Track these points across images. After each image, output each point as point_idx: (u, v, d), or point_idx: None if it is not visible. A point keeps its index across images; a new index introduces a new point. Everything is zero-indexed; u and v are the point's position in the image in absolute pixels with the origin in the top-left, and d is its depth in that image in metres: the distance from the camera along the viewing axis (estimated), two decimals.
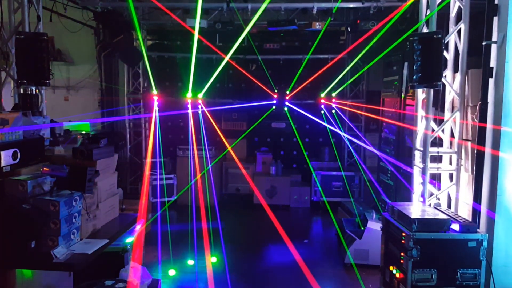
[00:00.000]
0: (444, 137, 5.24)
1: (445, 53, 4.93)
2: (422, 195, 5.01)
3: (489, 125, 4.48)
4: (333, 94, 9.74)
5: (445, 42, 4.92)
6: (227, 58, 8.41)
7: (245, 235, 7.50)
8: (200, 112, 9.78)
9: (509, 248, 4.33)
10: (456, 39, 5.00)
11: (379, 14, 7.44)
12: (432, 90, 4.95)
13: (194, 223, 7.91)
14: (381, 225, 4.87)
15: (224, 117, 10.13)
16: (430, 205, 4.94)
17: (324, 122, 9.96)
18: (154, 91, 9.59)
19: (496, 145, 4.32)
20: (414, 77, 4.65)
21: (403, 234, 4.18)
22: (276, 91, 9.58)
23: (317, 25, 8.00)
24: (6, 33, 5.71)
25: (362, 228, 5.90)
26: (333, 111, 9.80)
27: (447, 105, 5.15)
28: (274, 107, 9.52)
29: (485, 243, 4.05)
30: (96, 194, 3.67)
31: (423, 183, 4.99)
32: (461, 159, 5.00)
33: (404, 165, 6.41)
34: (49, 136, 4.64)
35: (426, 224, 4.14)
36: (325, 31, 9.00)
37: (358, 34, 7.93)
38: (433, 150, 5.00)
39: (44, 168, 3.38)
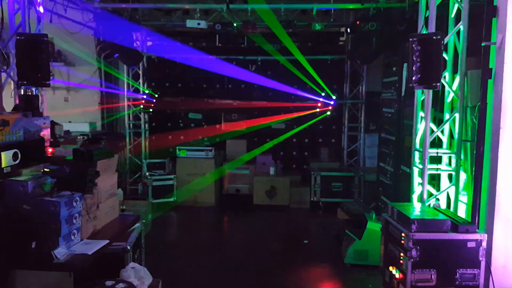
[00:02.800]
0: (443, 137, 5.25)
1: (444, 54, 4.94)
2: (422, 196, 5.02)
3: (488, 126, 4.49)
4: (334, 95, 9.76)
5: (444, 43, 4.93)
6: None
7: (245, 235, 7.51)
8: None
9: (508, 249, 4.34)
10: (455, 40, 5.01)
11: (379, 15, 7.46)
12: (431, 91, 4.96)
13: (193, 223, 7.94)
14: (381, 226, 4.88)
15: (224, 117, 10.14)
16: (429, 205, 4.95)
17: (324, 122, 9.98)
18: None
19: (495, 146, 4.33)
20: (414, 78, 4.66)
21: (403, 234, 4.19)
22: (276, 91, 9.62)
23: (316, 27, 8.02)
24: (7, 34, 5.71)
25: (362, 229, 5.90)
26: (333, 112, 9.82)
27: (447, 106, 5.17)
28: None
29: (484, 244, 4.06)
30: (96, 194, 3.68)
31: (423, 184, 5.00)
32: (461, 159, 5.01)
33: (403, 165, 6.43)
34: (50, 137, 4.65)
35: (425, 224, 4.14)
36: (325, 32, 9.03)
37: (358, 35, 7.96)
38: (432, 151, 5.01)
39: (45, 169, 3.39)
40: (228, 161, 9.75)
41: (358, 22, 7.76)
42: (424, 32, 5.01)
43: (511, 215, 4.31)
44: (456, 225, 4.13)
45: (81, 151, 3.65)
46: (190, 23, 8.04)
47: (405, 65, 6.24)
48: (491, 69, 4.44)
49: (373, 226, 5.71)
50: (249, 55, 9.69)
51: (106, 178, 3.86)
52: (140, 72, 9.81)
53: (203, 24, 7.96)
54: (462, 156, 5.04)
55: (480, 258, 4.06)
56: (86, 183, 3.32)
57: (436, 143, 5.11)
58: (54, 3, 6.92)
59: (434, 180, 5.23)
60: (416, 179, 5.28)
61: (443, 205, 5.08)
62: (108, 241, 3.48)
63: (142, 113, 9.94)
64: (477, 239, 4.06)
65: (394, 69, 7.24)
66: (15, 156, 3.32)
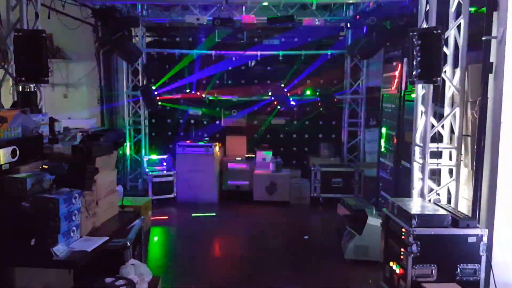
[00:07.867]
0: (444, 132, 5.23)
1: (444, 48, 4.91)
2: (422, 191, 5.01)
3: (489, 121, 4.47)
4: (333, 90, 9.73)
5: (445, 37, 4.90)
6: None
7: (245, 232, 7.51)
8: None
9: (509, 244, 4.33)
10: (455, 34, 4.98)
11: (379, 9, 7.43)
12: (431, 86, 4.93)
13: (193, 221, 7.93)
14: (381, 221, 4.87)
15: (224, 113, 10.12)
16: (430, 200, 4.94)
17: (324, 118, 9.96)
18: (153, 88, 9.60)
19: (496, 140, 4.32)
20: (414, 72, 4.63)
21: (403, 229, 4.18)
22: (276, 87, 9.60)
23: (316, 21, 7.99)
24: (5, 31, 5.69)
25: (362, 224, 5.89)
26: (333, 107, 9.78)
27: (447, 101, 5.14)
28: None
29: (485, 239, 4.05)
30: (95, 191, 3.67)
31: (423, 179, 4.99)
32: (461, 154, 4.99)
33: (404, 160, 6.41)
34: (48, 133, 4.63)
35: (426, 219, 4.14)
36: (325, 27, 8.99)
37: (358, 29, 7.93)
38: (432, 146, 5.00)
39: (43, 166, 3.37)
40: (228, 157, 9.73)
41: (358, 17, 7.73)
42: (424, 27, 4.98)
43: None
44: (457, 220, 4.12)
45: (80, 148, 3.63)
46: (190, 19, 8.01)
47: (405, 59, 6.21)
48: (492, 63, 4.41)
49: (374, 222, 5.70)
50: (249, 50, 9.64)
51: (105, 174, 3.84)
52: (140, 68, 9.77)
53: (202, 20, 7.94)
54: (462, 151, 5.02)
55: (481, 253, 4.05)
56: (85, 179, 3.30)
57: (437, 138, 5.09)
58: None
59: (435, 175, 5.22)
60: (417, 174, 5.26)
61: (443, 200, 5.07)
62: (107, 237, 3.47)
63: (142, 109, 9.91)
64: (477, 234, 4.06)
65: (394, 63, 7.21)
66: (13, 153, 3.30)
